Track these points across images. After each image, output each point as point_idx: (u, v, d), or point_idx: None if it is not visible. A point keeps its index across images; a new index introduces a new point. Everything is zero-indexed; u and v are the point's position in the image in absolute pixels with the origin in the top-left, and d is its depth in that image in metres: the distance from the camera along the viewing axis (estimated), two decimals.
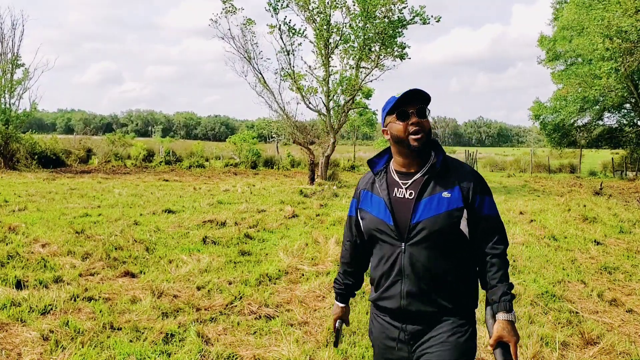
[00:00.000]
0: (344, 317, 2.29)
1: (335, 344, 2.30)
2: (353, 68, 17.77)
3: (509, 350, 1.84)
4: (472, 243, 1.95)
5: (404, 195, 1.95)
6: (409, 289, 1.92)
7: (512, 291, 1.90)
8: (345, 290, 2.26)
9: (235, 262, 6.14)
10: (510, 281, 1.92)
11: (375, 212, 1.99)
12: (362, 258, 2.21)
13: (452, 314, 1.92)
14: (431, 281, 1.90)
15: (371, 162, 2.11)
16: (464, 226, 1.91)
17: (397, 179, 2.00)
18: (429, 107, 1.97)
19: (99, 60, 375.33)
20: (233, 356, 3.57)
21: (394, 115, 1.95)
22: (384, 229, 1.96)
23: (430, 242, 1.89)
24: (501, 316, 1.86)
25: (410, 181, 1.97)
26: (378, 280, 2.02)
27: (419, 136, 1.91)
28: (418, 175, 1.96)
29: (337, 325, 2.29)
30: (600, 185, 18.39)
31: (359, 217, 2.10)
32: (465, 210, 1.91)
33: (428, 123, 1.95)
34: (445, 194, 1.90)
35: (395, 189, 1.98)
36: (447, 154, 2.03)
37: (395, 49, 17.37)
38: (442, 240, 1.89)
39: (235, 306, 4.58)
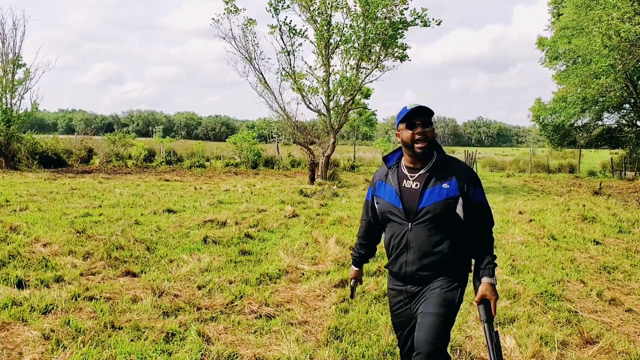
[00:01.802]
0: (358, 278, 2.94)
1: (352, 296, 2.99)
2: (353, 68, 17.78)
3: (490, 307, 2.37)
4: (466, 223, 2.46)
5: (411, 186, 2.49)
6: (411, 258, 2.47)
7: (495, 261, 2.44)
8: (359, 258, 2.89)
9: (235, 262, 6.16)
10: (494, 253, 2.47)
11: (388, 198, 2.55)
12: (374, 234, 2.82)
13: (444, 275, 2.45)
14: (430, 252, 2.43)
15: (386, 159, 2.67)
16: (459, 210, 2.43)
17: (406, 173, 2.54)
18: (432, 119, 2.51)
19: (100, 61, 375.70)
20: (234, 355, 3.59)
21: (404, 124, 2.48)
22: (395, 212, 2.51)
23: (432, 223, 2.42)
24: (485, 280, 2.40)
25: (416, 175, 2.50)
26: (390, 251, 2.58)
27: (422, 144, 2.44)
28: (423, 170, 2.49)
29: (352, 284, 2.94)
30: (600, 185, 18.40)
31: (375, 202, 2.66)
32: (460, 198, 2.42)
33: (431, 132, 2.46)
34: (445, 185, 2.43)
35: (405, 181, 2.52)
36: (446, 153, 2.55)
37: (395, 50, 17.38)
38: (441, 221, 2.42)
39: (236, 305, 4.60)
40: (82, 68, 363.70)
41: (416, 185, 2.46)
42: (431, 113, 2.45)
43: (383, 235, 2.72)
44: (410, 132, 2.45)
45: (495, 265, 2.44)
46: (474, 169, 27.69)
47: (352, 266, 2.93)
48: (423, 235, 2.43)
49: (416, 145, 2.43)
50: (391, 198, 2.52)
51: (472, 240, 2.47)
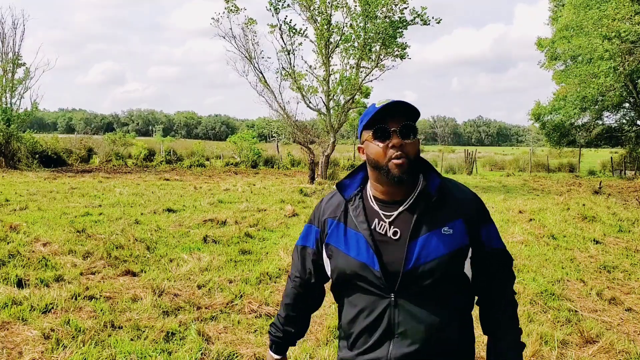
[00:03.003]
0: None
1: None
2: (353, 68, 17.78)
3: None
4: (476, 285, 1.59)
5: (387, 231, 1.53)
6: (400, 353, 1.49)
7: (522, 337, 1.60)
8: (283, 340, 1.79)
9: (235, 261, 6.16)
10: (519, 326, 1.59)
11: (354, 253, 1.54)
12: (312, 301, 1.80)
13: None
14: (429, 341, 1.48)
15: (341, 185, 1.65)
16: (467, 267, 1.54)
17: (378, 209, 1.56)
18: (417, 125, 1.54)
19: (102, 61, 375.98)
20: (234, 355, 3.59)
21: (371, 132, 1.51)
22: (367, 275, 1.51)
23: (430, 293, 1.49)
24: None
25: (394, 213, 1.54)
26: (356, 338, 1.57)
27: (400, 161, 1.47)
28: (404, 206, 1.54)
29: None
30: (600, 184, 18.40)
31: (324, 255, 1.65)
32: (470, 249, 1.53)
33: (414, 146, 1.51)
34: (446, 230, 1.50)
35: (376, 223, 1.55)
36: (440, 174, 1.61)
37: (395, 49, 17.38)
38: (443, 289, 1.50)
39: (236, 305, 4.60)
40: (85, 68, 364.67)
41: (395, 232, 1.52)
42: (415, 114, 1.52)
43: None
44: (380, 144, 1.49)
45: (523, 345, 1.58)
46: (474, 169, 27.67)
47: (269, 352, 1.82)
48: (418, 314, 1.48)
49: (392, 163, 1.48)
50: (359, 253, 1.53)
51: (484, 306, 1.61)
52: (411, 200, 1.54)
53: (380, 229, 1.53)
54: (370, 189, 1.60)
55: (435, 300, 1.49)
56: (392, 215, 1.54)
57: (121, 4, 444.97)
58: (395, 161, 1.47)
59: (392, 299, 1.49)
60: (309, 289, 1.76)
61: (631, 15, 16.40)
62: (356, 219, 1.56)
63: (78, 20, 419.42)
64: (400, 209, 1.54)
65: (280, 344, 1.80)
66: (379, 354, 1.51)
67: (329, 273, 1.66)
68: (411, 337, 1.48)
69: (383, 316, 1.50)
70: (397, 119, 1.49)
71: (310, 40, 17.99)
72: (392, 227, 1.53)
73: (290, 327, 1.78)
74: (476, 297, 1.65)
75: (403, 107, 1.49)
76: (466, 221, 1.52)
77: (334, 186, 1.66)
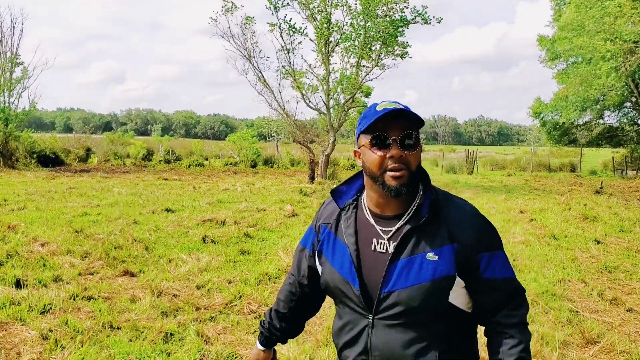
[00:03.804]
0: None
1: None
2: (353, 67, 17.77)
3: None
4: (477, 314, 1.44)
5: (386, 248, 1.40)
6: None
7: None
8: (268, 332, 1.73)
9: (234, 261, 6.13)
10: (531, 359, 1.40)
11: (338, 267, 1.46)
12: (305, 304, 1.71)
13: None
14: None
15: (336, 192, 1.54)
16: (454, 298, 1.38)
17: (374, 223, 1.44)
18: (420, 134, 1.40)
19: (102, 59, 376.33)
20: (232, 355, 3.56)
21: (369, 138, 1.37)
22: (348, 293, 1.43)
23: (407, 321, 1.37)
24: None
25: (392, 229, 1.41)
26: (340, 350, 1.53)
27: (399, 174, 1.34)
28: (404, 220, 1.41)
29: None
30: (601, 184, 18.38)
31: (317, 262, 1.57)
32: (457, 279, 1.37)
33: (416, 157, 1.38)
34: (431, 256, 1.36)
35: (374, 240, 1.42)
36: (439, 189, 1.46)
37: (396, 48, 17.36)
38: (422, 319, 1.37)
39: (235, 305, 4.57)
40: (85, 67, 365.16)
41: (384, 248, 1.41)
42: (418, 123, 1.39)
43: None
44: (378, 153, 1.35)
45: None
46: (475, 169, 27.63)
47: (258, 344, 1.76)
48: (394, 340, 1.38)
49: (389, 175, 1.35)
50: (342, 268, 1.45)
51: (491, 339, 1.44)
52: (410, 214, 1.41)
53: (380, 248, 1.41)
54: (366, 201, 1.48)
55: (414, 328, 1.37)
56: (391, 230, 1.41)
57: (122, 2, 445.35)
58: (393, 173, 1.34)
59: (371, 320, 1.40)
60: (302, 291, 1.68)
61: (635, 20, 16.40)
62: (345, 230, 1.47)
63: (79, 20, 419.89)
64: (400, 223, 1.41)
65: (265, 336, 1.74)
66: None
67: (321, 283, 1.57)
68: None
69: (361, 335, 1.43)
70: (399, 126, 1.35)
71: (310, 39, 17.98)
72: (392, 242, 1.40)
73: (277, 322, 1.72)
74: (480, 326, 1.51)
75: (405, 113, 1.35)
76: (457, 249, 1.36)
77: (330, 193, 1.55)
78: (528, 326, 1.42)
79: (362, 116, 1.44)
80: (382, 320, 1.39)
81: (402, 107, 1.36)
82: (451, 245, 1.36)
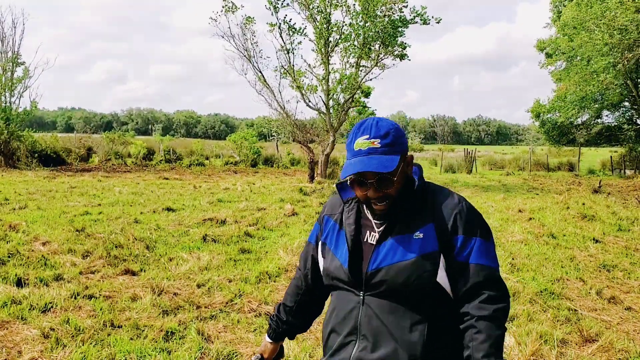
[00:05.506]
0: (267, 357, 1.82)
1: None
2: (353, 67, 17.78)
3: None
4: (455, 300, 1.47)
5: (375, 240, 1.52)
6: (362, 356, 1.45)
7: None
8: (277, 326, 1.80)
9: (235, 260, 6.16)
10: (502, 356, 1.37)
11: (339, 254, 1.55)
12: (311, 299, 1.78)
13: None
14: (395, 350, 1.42)
15: (341, 186, 1.61)
16: (441, 278, 1.44)
17: (370, 217, 1.56)
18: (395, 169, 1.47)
19: (104, 59, 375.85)
20: (233, 354, 3.59)
21: (350, 178, 1.50)
22: (340, 275, 1.54)
23: (395, 297, 1.44)
24: None
25: (386, 223, 1.53)
26: (327, 339, 1.57)
27: (381, 206, 1.48)
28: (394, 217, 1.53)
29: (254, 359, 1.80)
30: (599, 183, 18.40)
31: (320, 253, 1.66)
32: (442, 258, 1.44)
33: (395, 187, 1.48)
34: (418, 235, 1.45)
35: (368, 233, 1.55)
36: (427, 182, 1.59)
37: (395, 48, 17.37)
38: (410, 296, 1.43)
39: (235, 304, 4.60)
40: (87, 67, 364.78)
41: (374, 240, 1.54)
42: (394, 169, 1.45)
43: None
44: (359, 192, 1.50)
45: None
46: (473, 168, 27.65)
47: (266, 337, 1.84)
48: (382, 315, 1.45)
49: (373, 205, 1.50)
50: (342, 255, 1.54)
51: (462, 332, 1.44)
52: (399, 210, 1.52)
53: (372, 240, 1.52)
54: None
55: (403, 306, 1.44)
56: (384, 224, 1.53)
57: (125, 2, 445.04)
58: (376, 206, 1.49)
59: (362, 297, 1.49)
60: (307, 285, 1.77)
61: (633, 11, 16.41)
62: (346, 221, 1.58)
63: (82, 20, 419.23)
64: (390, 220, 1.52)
65: (273, 328, 1.82)
66: (344, 355, 1.50)
67: (322, 274, 1.65)
68: (374, 342, 1.44)
69: (351, 314, 1.50)
70: (373, 173, 1.45)
71: (310, 39, 17.99)
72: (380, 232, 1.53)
73: (284, 315, 1.80)
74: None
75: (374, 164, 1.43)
76: (438, 226, 1.45)
77: (334, 185, 1.64)
78: (503, 322, 1.42)
79: (348, 140, 1.53)
80: (372, 297, 1.47)
81: (372, 158, 1.44)
82: (432, 223, 1.46)
